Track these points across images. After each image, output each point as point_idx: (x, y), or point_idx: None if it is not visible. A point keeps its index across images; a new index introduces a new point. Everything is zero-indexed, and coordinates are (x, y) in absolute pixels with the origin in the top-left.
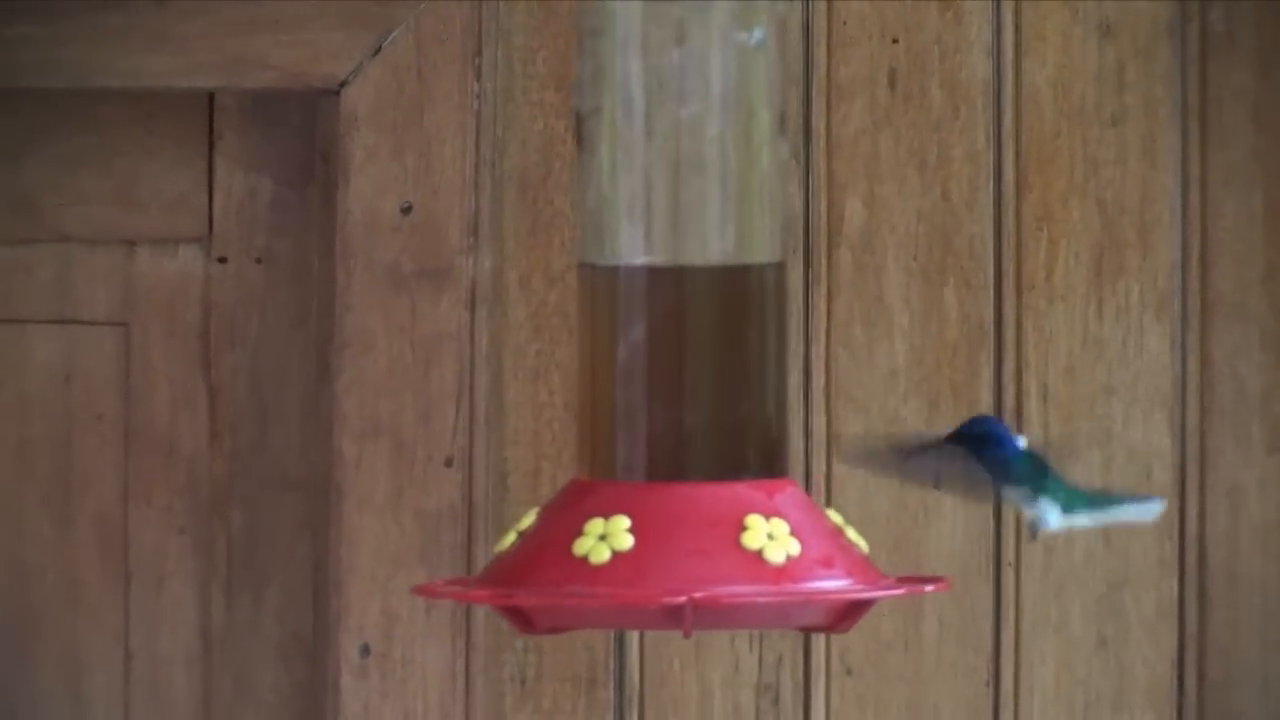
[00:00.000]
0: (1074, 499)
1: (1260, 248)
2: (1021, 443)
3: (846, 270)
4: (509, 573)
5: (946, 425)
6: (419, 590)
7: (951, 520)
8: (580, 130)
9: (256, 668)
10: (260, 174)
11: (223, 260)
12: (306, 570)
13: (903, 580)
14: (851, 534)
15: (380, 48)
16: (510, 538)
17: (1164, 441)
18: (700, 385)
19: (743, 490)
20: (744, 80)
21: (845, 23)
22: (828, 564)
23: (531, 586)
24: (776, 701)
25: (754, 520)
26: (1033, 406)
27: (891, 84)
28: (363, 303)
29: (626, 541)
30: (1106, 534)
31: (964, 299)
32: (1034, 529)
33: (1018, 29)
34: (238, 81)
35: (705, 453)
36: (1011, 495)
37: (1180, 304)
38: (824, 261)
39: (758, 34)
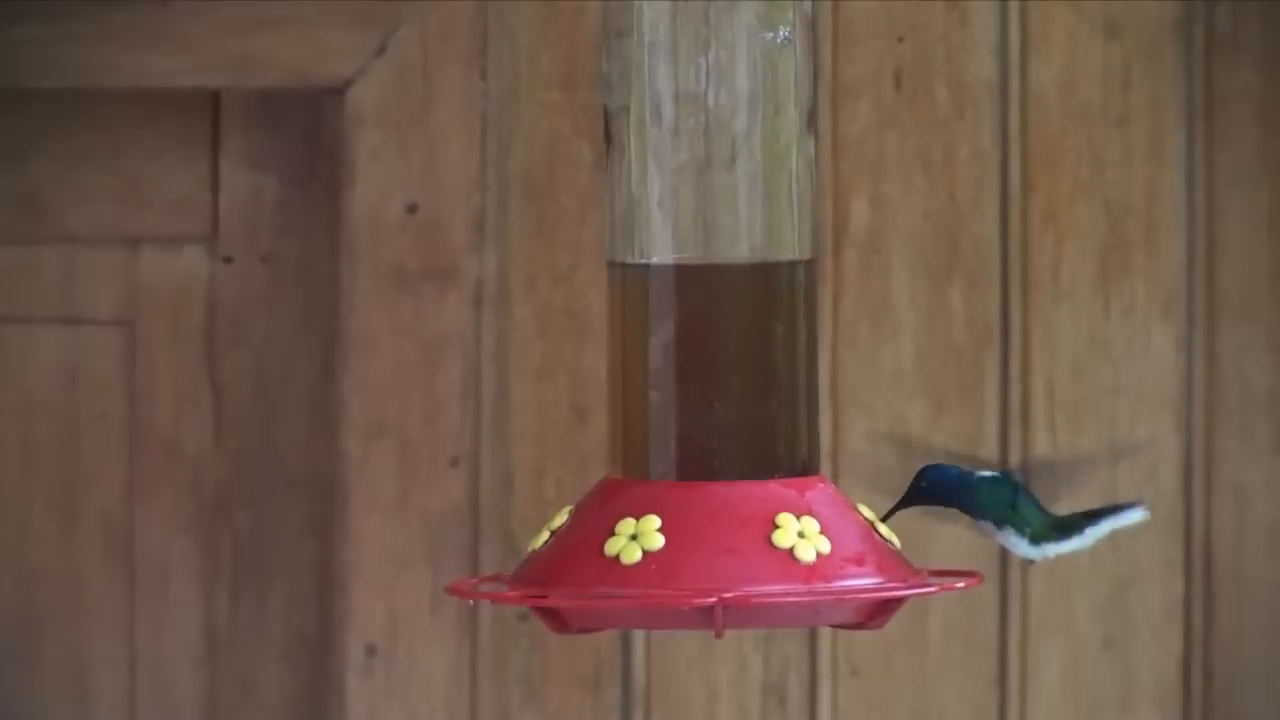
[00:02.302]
0: (1043, 528)
1: (1266, 247)
2: (985, 473)
3: (852, 270)
4: (541, 572)
5: (952, 425)
6: (452, 590)
7: (956, 520)
8: (608, 129)
9: (261, 668)
10: (265, 173)
11: (228, 260)
12: (312, 570)
13: (936, 575)
14: (884, 530)
15: (385, 47)
16: (544, 536)
17: (1170, 441)
18: (730, 383)
19: (773, 488)
20: (771, 78)
21: (851, 22)
22: (859, 561)
23: (563, 587)
24: (783, 702)
25: (784, 519)
26: (1039, 407)
27: (897, 84)
28: (368, 302)
29: (657, 541)
30: (1112, 534)
31: (970, 299)
32: (1027, 558)
33: (1024, 29)
34: (243, 81)
35: (735, 451)
36: (981, 528)
37: (1186, 304)
38: (830, 261)
39: (784, 32)
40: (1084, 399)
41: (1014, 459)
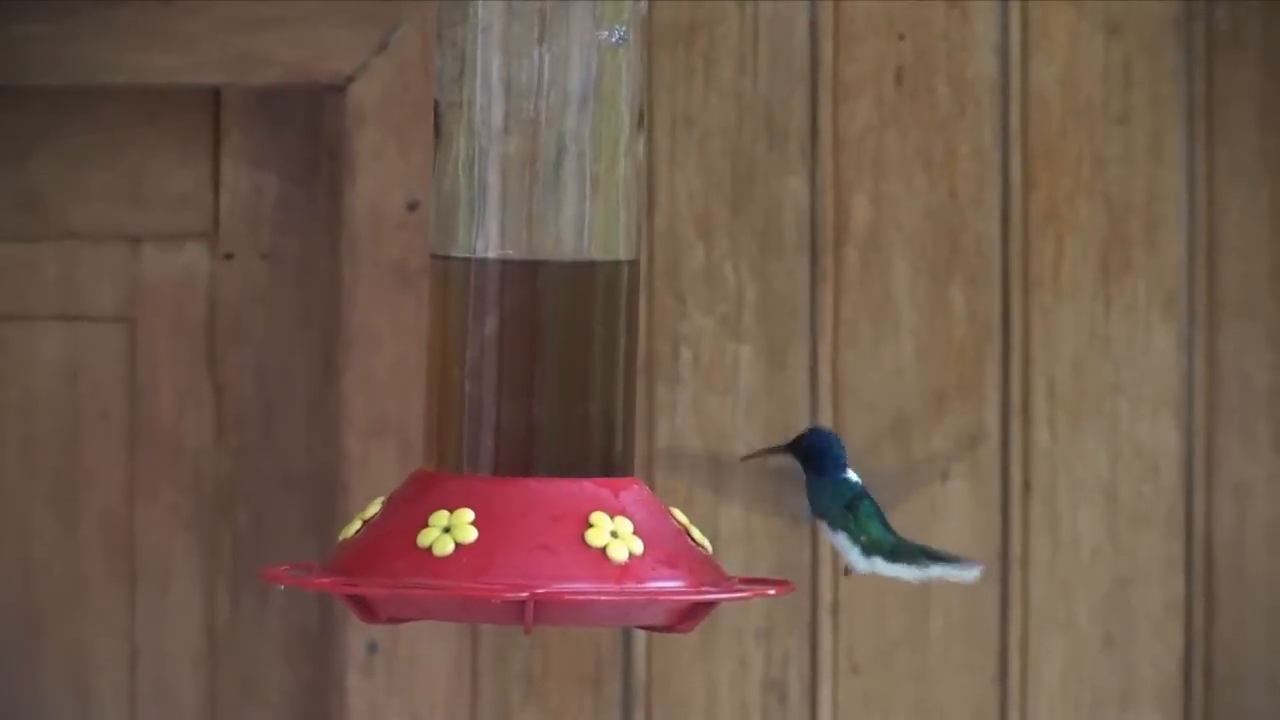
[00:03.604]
0: (877, 543)
1: (1267, 245)
2: (850, 475)
3: (853, 268)
4: (353, 561)
5: (952, 423)
6: (266, 575)
7: (958, 518)
8: (438, 122)
9: (262, 665)
10: (266, 171)
11: (229, 257)
12: None
13: (747, 582)
14: (696, 534)
15: (386, 44)
16: (355, 525)
17: (1171, 439)
18: (549, 381)
19: (588, 487)
20: (603, 77)
21: (852, 20)
22: (671, 564)
23: (375, 576)
24: (783, 699)
25: (599, 518)
26: (1039, 404)
27: (898, 81)
28: (369, 300)
29: (470, 534)
30: (1113, 532)
31: (971, 297)
32: (853, 567)
33: (1025, 27)
34: (243, 78)
35: (552, 448)
36: (819, 525)
37: (1187, 302)
38: (830, 259)
39: (619, 31)
40: (1084, 397)
41: (1015, 456)
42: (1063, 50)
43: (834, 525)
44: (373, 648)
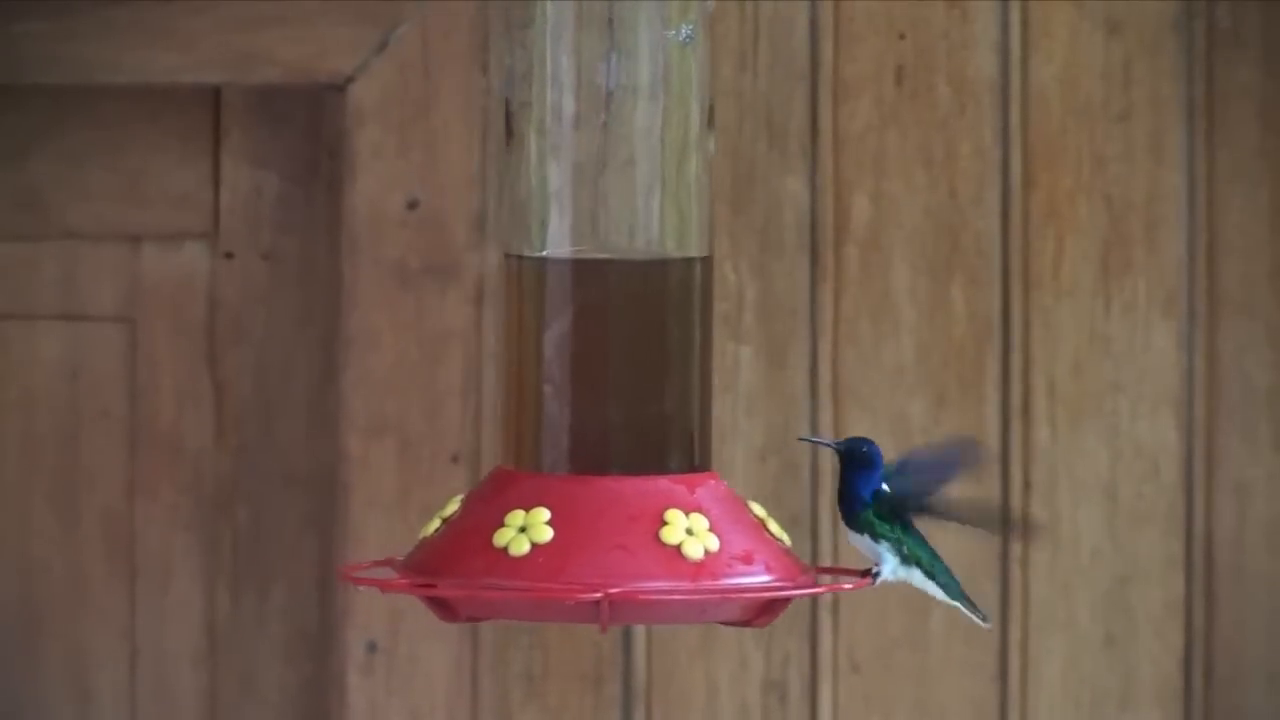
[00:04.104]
0: (915, 555)
1: (1267, 244)
2: (886, 487)
3: (853, 267)
4: (431, 561)
5: (952, 422)
6: (343, 574)
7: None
8: (509, 122)
9: (262, 664)
10: (266, 170)
11: (229, 256)
12: (313, 567)
13: (824, 572)
14: (774, 527)
15: (386, 43)
16: (435, 524)
17: (1171, 438)
18: (624, 379)
19: (663, 484)
20: (672, 75)
21: (852, 19)
22: (747, 560)
23: (451, 577)
24: (783, 699)
25: (673, 515)
26: (1040, 403)
27: (898, 80)
28: (369, 299)
29: (546, 534)
30: (1113, 531)
31: (971, 296)
32: (880, 574)
33: (1025, 25)
34: (244, 77)
35: (627, 446)
36: (852, 536)
37: (1187, 301)
38: (831, 258)
39: (686, 29)
40: (1084, 396)
41: (1015, 456)
42: (1063, 49)
43: (876, 538)
44: (372, 647)
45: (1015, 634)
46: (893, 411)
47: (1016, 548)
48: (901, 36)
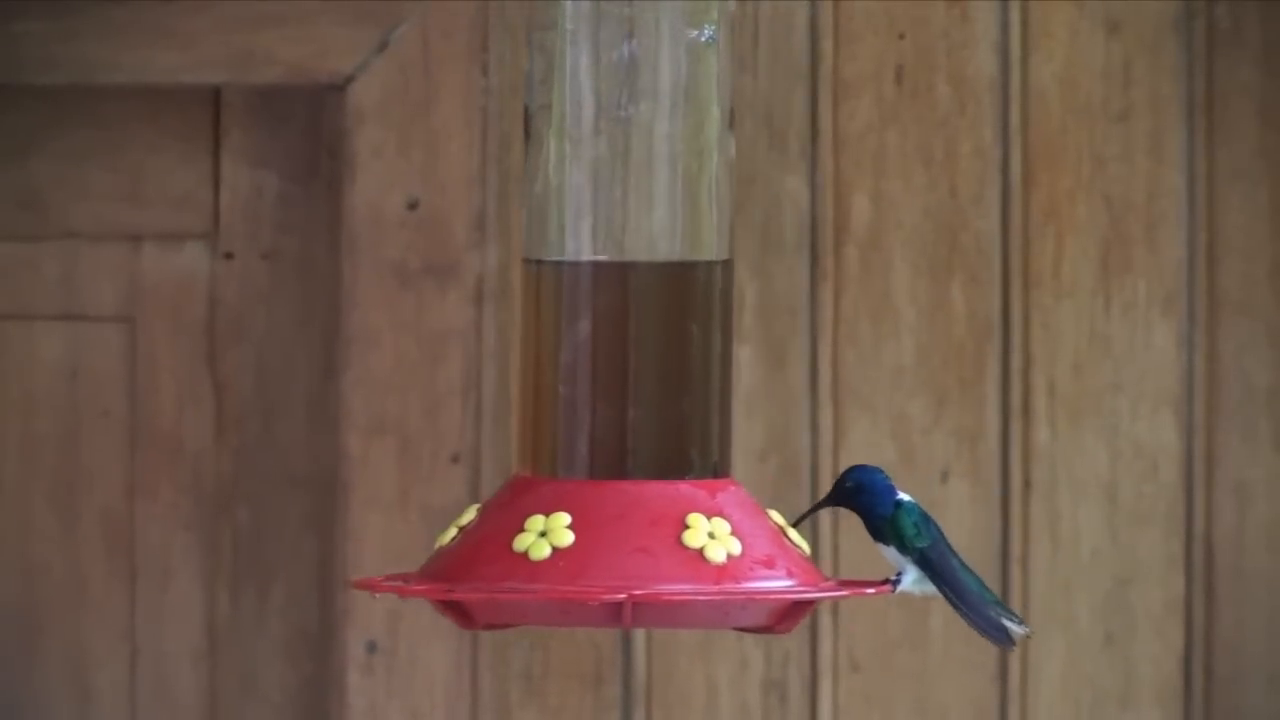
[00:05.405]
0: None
1: (1267, 244)
2: (903, 496)
3: (853, 267)
4: (449, 568)
5: (952, 422)
6: (359, 583)
7: (959, 517)
8: (528, 126)
9: (262, 664)
10: (266, 170)
11: (229, 256)
12: (312, 567)
13: (845, 583)
14: (793, 535)
15: (387, 43)
16: (451, 533)
17: (1171, 438)
18: (642, 383)
19: (684, 489)
20: (693, 77)
21: (852, 19)
22: (769, 564)
23: (470, 582)
24: (783, 698)
25: (695, 519)
26: (1040, 403)
27: (898, 80)
28: (369, 299)
29: (567, 538)
30: (1113, 530)
31: (971, 295)
32: (900, 583)
33: (1024, 25)
34: (244, 77)
35: (647, 451)
36: (883, 549)
37: (1187, 300)
38: (831, 258)
39: (708, 31)
40: (1084, 396)
41: (1015, 456)
42: (1063, 49)
43: (902, 549)
44: (372, 647)
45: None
46: (893, 411)
47: (1016, 547)
48: (901, 36)
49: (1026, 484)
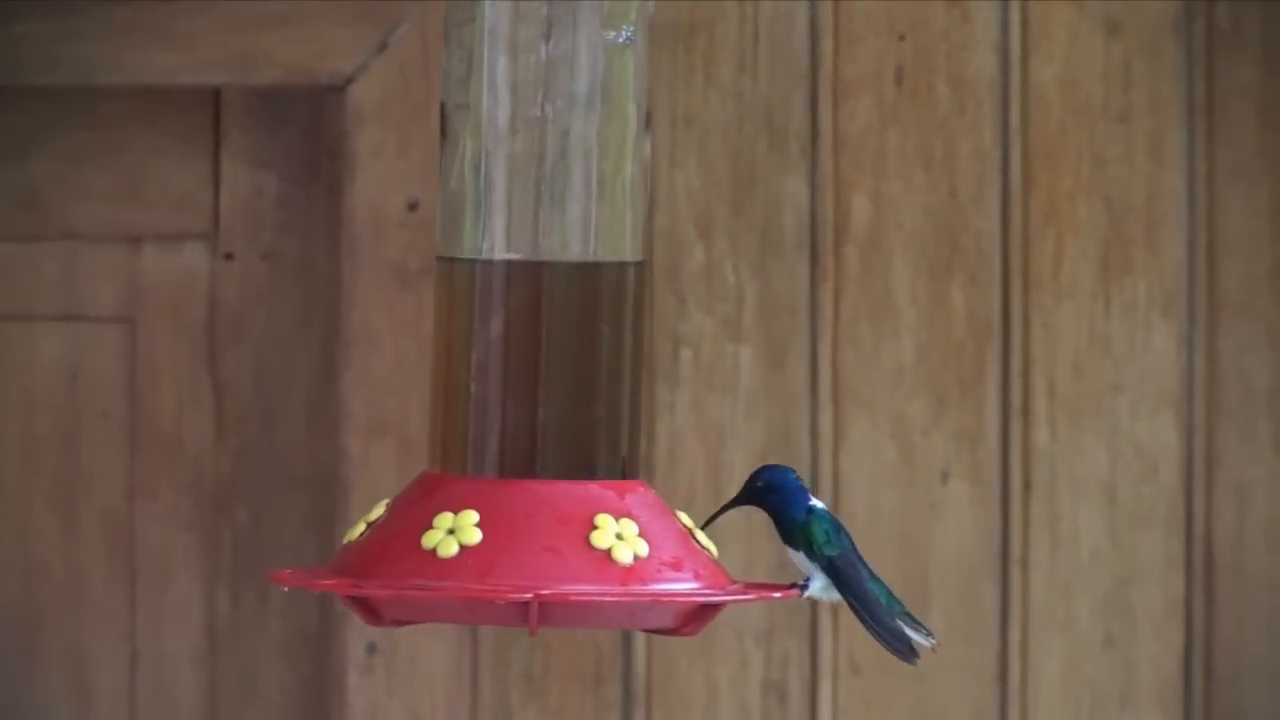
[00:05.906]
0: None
1: (1267, 244)
2: (815, 503)
3: (853, 267)
4: (358, 564)
5: (952, 422)
6: (271, 577)
7: (958, 517)
8: (445, 124)
9: (262, 665)
10: (266, 171)
11: (229, 257)
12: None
13: (752, 586)
14: (701, 537)
15: (386, 44)
16: (360, 528)
17: (1171, 439)
18: (554, 383)
19: (593, 490)
20: (611, 78)
21: (852, 19)
22: (676, 566)
23: (379, 578)
24: (783, 700)
25: (603, 520)
26: (1040, 404)
27: (898, 81)
28: (369, 299)
29: (475, 536)
30: (1113, 531)
31: (971, 296)
32: (808, 589)
33: (1024, 26)
34: (244, 78)
35: (557, 451)
36: (791, 552)
37: (1187, 301)
38: (830, 259)
39: (626, 32)
40: (1084, 396)
41: (1015, 456)
42: (1063, 49)
43: (810, 555)
44: (372, 648)
45: (1015, 635)
46: (892, 412)
47: (1016, 548)
48: (901, 37)
49: (1026, 485)
